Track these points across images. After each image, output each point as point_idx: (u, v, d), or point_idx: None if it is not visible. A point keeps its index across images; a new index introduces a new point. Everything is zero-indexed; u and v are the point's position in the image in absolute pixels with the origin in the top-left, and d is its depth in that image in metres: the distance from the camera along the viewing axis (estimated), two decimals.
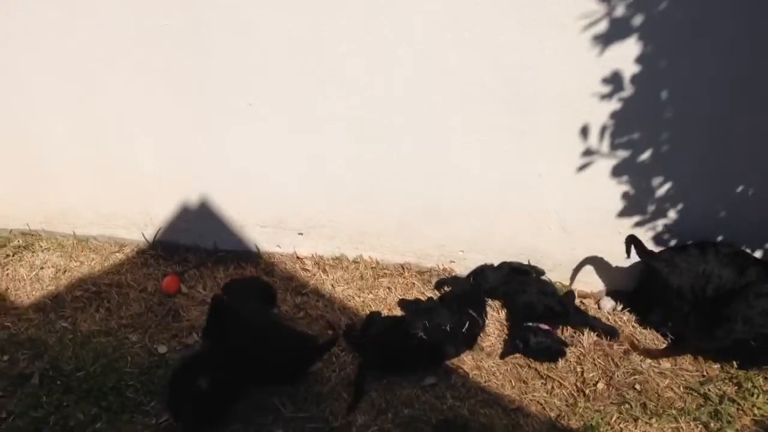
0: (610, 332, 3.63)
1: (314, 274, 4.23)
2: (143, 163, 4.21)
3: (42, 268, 4.31)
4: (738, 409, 3.18)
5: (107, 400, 3.28)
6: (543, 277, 3.97)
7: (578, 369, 3.46)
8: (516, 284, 3.86)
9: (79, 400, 3.29)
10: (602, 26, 3.19)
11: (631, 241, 3.59)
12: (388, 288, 4.12)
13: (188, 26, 3.63)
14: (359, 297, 4.05)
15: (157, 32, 3.67)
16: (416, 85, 3.58)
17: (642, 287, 3.80)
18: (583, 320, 3.69)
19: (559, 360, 3.47)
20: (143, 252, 4.43)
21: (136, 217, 4.43)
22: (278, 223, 4.31)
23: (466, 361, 3.55)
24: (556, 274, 4.00)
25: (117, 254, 4.42)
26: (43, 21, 3.75)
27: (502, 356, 3.54)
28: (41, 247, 4.50)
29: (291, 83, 3.72)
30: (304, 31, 3.52)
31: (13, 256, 4.42)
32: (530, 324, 3.56)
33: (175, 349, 3.62)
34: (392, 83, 3.60)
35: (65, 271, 4.27)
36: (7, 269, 4.30)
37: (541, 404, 3.27)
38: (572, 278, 4.02)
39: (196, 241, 4.41)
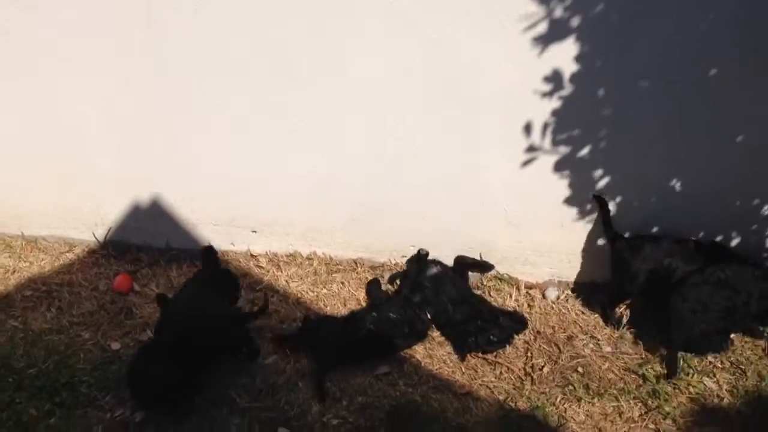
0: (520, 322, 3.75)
1: (268, 271, 4.28)
2: (94, 162, 4.19)
3: None
4: (674, 387, 3.37)
5: (60, 396, 3.30)
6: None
7: (525, 355, 3.60)
8: (434, 294, 3.84)
9: (32, 396, 3.30)
10: (542, 27, 3.35)
11: (600, 204, 3.74)
12: (342, 283, 4.19)
13: (147, 27, 3.68)
14: (313, 292, 4.11)
15: (116, 32, 3.71)
16: (364, 85, 3.69)
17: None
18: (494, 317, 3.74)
19: (509, 340, 3.63)
20: (94, 252, 4.40)
21: (87, 216, 4.40)
22: (231, 221, 4.34)
23: (418, 350, 3.66)
24: (504, 267, 4.13)
25: (67, 254, 4.38)
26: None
27: (462, 359, 3.60)
28: None
29: (245, 85, 3.79)
30: (262, 35, 3.62)
31: None
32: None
33: (129, 346, 3.63)
34: (341, 84, 3.71)
35: (14, 272, 4.22)
36: None
37: (490, 388, 3.41)
38: None
39: (148, 240, 4.41)
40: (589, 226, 3.89)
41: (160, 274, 4.21)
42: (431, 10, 3.42)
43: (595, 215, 3.84)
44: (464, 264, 4.05)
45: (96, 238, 4.44)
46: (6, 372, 3.43)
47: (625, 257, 3.70)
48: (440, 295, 3.79)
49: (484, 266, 4.08)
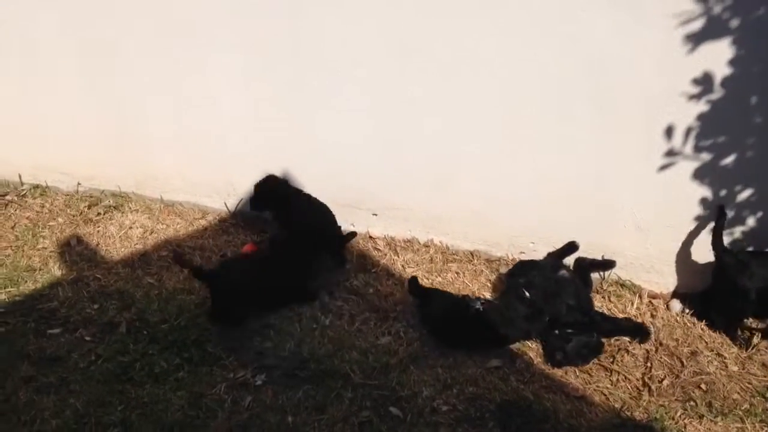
0: (641, 332, 3.62)
1: (385, 254, 4.35)
2: (230, 135, 4.42)
3: (131, 227, 4.56)
4: None
5: (189, 352, 3.49)
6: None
7: (644, 365, 3.49)
8: (548, 289, 3.75)
9: (163, 349, 3.51)
10: (696, 25, 3.22)
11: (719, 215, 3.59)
12: (457, 273, 4.21)
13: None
14: (428, 279, 4.15)
15: (251, 8, 3.90)
16: (496, 81, 3.70)
17: (713, 283, 3.76)
18: (611, 326, 3.65)
19: (600, 352, 3.54)
20: (224, 220, 4.63)
21: (220, 187, 4.64)
22: (354, 203, 4.44)
23: (532, 347, 3.63)
24: (627, 273, 4.01)
25: (200, 221, 4.64)
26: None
27: (556, 366, 3.53)
28: (130, 208, 4.75)
29: (375, 69, 3.89)
30: (401, 22, 3.69)
31: (104, 214, 4.69)
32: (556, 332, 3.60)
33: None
34: (476, 72, 3.72)
35: (152, 232, 4.51)
36: (98, 226, 4.57)
37: (605, 395, 3.32)
38: None
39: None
40: (725, 239, 3.69)
41: None
42: (577, 6, 3.36)
43: (732, 227, 3.66)
44: (585, 266, 3.95)
45: (227, 207, 4.67)
46: (141, 324, 3.68)
47: (730, 274, 3.53)
48: (559, 297, 3.69)
49: (605, 265, 3.96)
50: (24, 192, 4.88)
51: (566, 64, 3.53)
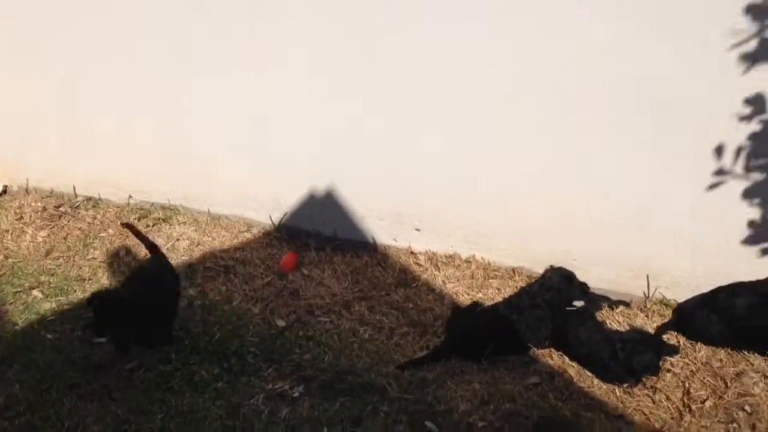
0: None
1: (426, 269, 4.36)
2: (275, 151, 4.52)
3: (178, 239, 4.69)
4: None
5: (229, 362, 3.56)
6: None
7: (686, 385, 3.39)
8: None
9: (204, 359, 3.57)
10: (751, 45, 3.16)
11: None
12: (498, 289, 4.18)
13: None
14: (468, 294, 4.13)
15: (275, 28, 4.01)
16: (552, 98, 3.73)
17: None
18: None
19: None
20: (269, 234, 4.73)
21: (266, 201, 4.73)
22: (396, 218, 4.48)
23: (572, 366, 3.57)
24: (672, 293, 3.92)
25: (245, 233, 4.74)
26: None
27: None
28: (178, 221, 4.89)
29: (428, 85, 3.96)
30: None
31: (152, 226, 4.85)
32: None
33: (293, 325, 3.84)
34: (532, 97, 3.76)
35: (198, 244, 4.63)
36: None
37: (646, 414, 3.24)
38: None
39: (318, 227, 4.66)
40: None
41: (325, 260, 4.43)
42: (629, 29, 3.37)
43: None
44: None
45: (272, 221, 4.76)
46: (184, 334, 3.76)
47: None
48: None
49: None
50: (77, 204, 5.08)
51: (619, 84, 3.54)
